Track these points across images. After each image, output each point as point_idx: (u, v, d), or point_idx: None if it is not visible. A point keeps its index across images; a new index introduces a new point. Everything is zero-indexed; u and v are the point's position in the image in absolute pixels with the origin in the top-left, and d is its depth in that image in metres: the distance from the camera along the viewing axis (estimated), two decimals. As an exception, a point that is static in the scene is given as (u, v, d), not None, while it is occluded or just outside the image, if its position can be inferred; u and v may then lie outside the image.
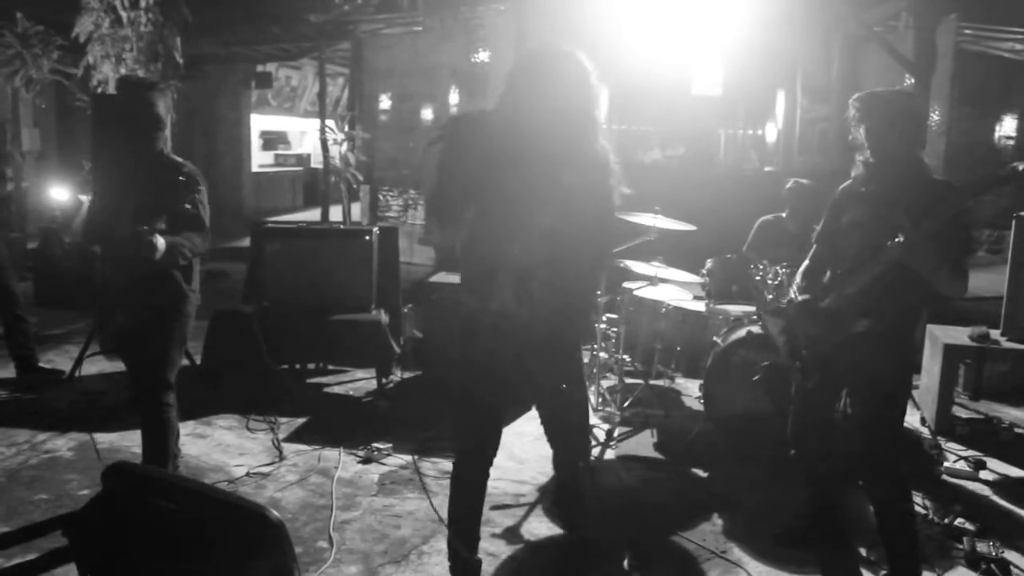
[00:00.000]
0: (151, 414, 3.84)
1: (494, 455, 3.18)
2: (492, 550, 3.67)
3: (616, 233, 3.06)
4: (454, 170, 2.86)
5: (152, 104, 3.75)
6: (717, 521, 4.08)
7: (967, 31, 8.92)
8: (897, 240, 3.03)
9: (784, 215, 6.01)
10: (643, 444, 5.09)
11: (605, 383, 5.89)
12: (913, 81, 7.63)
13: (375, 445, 4.76)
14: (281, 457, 4.65)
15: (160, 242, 3.53)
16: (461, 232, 2.94)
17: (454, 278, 6.21)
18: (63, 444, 4.70)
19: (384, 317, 5.84)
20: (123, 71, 7.60)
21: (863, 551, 3.76)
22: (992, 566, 3.60)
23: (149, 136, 3.79)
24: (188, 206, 3.79)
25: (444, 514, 3.97)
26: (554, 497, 4.01)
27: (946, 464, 4.78)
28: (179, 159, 3.90)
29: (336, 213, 11.35)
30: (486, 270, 2.89)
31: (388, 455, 4.70)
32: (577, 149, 2.84)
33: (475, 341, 2.98)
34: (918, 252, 3.02)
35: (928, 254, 3.02)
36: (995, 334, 5.45)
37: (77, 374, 5.78)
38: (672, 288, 5.69)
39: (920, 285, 3.14)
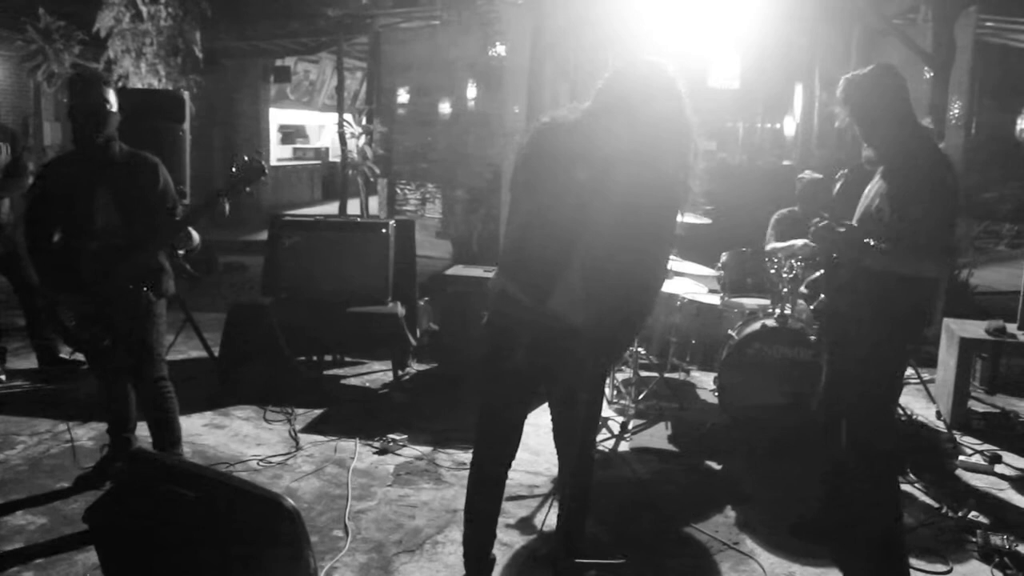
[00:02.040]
0: (151, 399, 3.98)
1: (513, 456, 3.16)
2: (506, 540, 3.70)
3: (669, 261, 3.03)
4: (530, 167, 2.85)
5: (106, 99, 3.76)
6: (730, 513, 4.10)
7: (987, 23, 8.85)
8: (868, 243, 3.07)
9: (797, 209, 6.02)
10: (657, 436, 5.11)
11: (620, 376, 5.91)
12: (932, 74, 7.58)
13: (391, 436, 4.80)
14: (298, 447, 4.70)
15: (196, 237, 3.77)
16: (517, 224, 2.92)
17: (470, 271, 6.26)
18: (83, 433, 4.77)
19: (401, 310, 5.88)
20: (143, 65, 7.68)
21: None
22: (1006, 559, 3.60)
23: (103, 130, 3.77)
24: (170, 204, 3.90)
25: (458, 505, 4.02)
26: (559, 491, 4.02)
27: (961, 458, 4.77)
28: (137, 151, 3.94)
29: (354, 206, 11.40)
30: (549, 270, 2.81)
31: (404, 446, 4.74)
32: (662, 172, 2.77)
33: (512, 337, 2.91)
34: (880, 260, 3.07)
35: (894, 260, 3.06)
36: (1012, 328, 5.43)
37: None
38: (687, 281, 5.70)
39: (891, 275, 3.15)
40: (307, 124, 20.04)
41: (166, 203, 3.90)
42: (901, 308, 3.19)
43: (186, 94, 6.32)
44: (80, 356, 5.95)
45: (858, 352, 3.28)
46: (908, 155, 3.15)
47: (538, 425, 4.85)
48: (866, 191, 3.32)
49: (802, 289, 3.78)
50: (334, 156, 17.31)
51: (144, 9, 7.64)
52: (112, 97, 3.80)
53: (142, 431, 4.21)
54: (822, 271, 3.63)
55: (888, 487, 3.35)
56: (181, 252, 4.01)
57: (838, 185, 3.51)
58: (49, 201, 3.83)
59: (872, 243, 3.11)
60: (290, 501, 2.59)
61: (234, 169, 3.68)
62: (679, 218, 2.92)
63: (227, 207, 3.70)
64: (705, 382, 6.12)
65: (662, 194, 2.79)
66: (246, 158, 3.71)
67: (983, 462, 4.72)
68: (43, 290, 3.82)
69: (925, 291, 3.24)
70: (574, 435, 3.17)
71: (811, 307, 3.76)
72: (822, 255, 3.31)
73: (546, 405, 3.30)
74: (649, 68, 2.79)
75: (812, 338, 4.83)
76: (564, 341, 2.86)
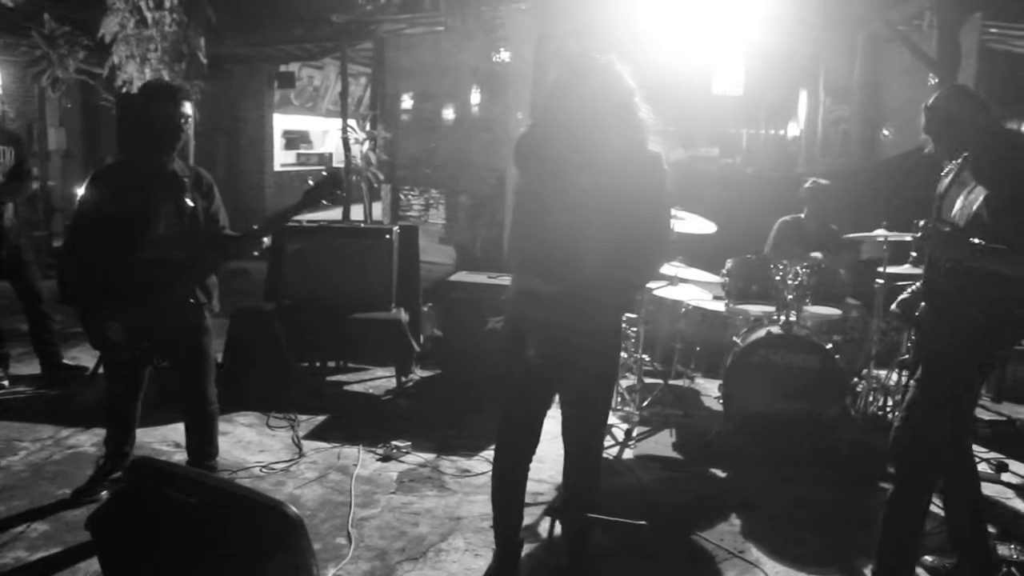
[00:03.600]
0: (198, 415, 4.01)
1: (532, 453, 3.32)
2: (509, 548, 3.68)
3: (669, 235, 3.15)
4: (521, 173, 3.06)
5: (183, 114, 3.76)
6: (735, 521, 4.08)
7: (992, 29, 8.81)
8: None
9: (803, 215, 6.01)
10: (662, 444, 5.08)
11: (624, 382, 5.88)
12: (937, 81, 7.56)
13: (394, 443, 4.78)
14: (301, 454, 4.68)
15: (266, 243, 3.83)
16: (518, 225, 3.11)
17: (473, 277, 6.25)
18: (86, 440, 4.75)
19: (404, 316, 5.86)
20: (148, 71, 7.67)
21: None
22: (1013, 569, 3.57)
23: (174, 146, 3.80)
24: (217, 213, 3.96)
25: (462, 512, 4.01)
26: (560, 502, 4.00)
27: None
28: (195, 166, 4.01)
29: (357, 212, 11.39)
30: (557, 258, 2.94)
31: (407, 453, 4.72)
32: (621, 153, 2.92)
33: (531, 334, 3.02)
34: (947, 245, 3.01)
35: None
36: (1018, 336, 5.40)
37: (100, 371, 5.83)
38: (692, 288, 5.68)
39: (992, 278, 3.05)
40: (311, 130, 20.03)
41: (219, 221, 3.95)
42: (997, 312, 3.11)
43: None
44: (82, 363, 5.98)
45: (941, 356, 3.22)
46: (1001, 163, 3.09)
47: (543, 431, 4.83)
48: (958, 204, 3.22)
49: (893, 308, 3.76)
50: (338, 162, 17.28)
51: (149, 15, 7.63)
52: (187, 110, 3.79)
53: (143, 438, 4.20)
54: (912, 290, 3.61)
55: (914, 502, 3.27)
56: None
57: (946, 180, 3.42)
58: (101, 210, 3.74)
59: (978, 242, 3.01)
60: (293, 508, 2.56)
61: (311, 182, 3.74)
62: (667, 208, 3.13)
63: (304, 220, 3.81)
64: (710, 389, 6.09)
65: (625, 161, 2.93)
66: (324, 172, 3.78)
67: (989, 470, 4.69)
68: (87, 302, 3.74)
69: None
70: (583, 434, 3.29)
71: (906, 320, 3.71)
72: (928, 256, 3.29)
73: (550, 412, 3.30)
74: (574, 57, 3.02)
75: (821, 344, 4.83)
76: (581, 318, 2.97)
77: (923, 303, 3.36)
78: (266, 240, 3.86)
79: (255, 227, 3.82)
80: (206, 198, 3.91)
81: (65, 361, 5.99)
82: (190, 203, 3.80)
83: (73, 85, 8.53)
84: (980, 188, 3.13)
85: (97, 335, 3.72)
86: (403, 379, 5.94)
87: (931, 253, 3.28)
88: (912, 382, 3.38)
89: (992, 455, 4.90)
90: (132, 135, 3.83)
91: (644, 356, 5.68)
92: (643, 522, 3.68)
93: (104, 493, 3.96)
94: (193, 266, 3.80)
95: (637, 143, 2.96)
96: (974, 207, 3.10)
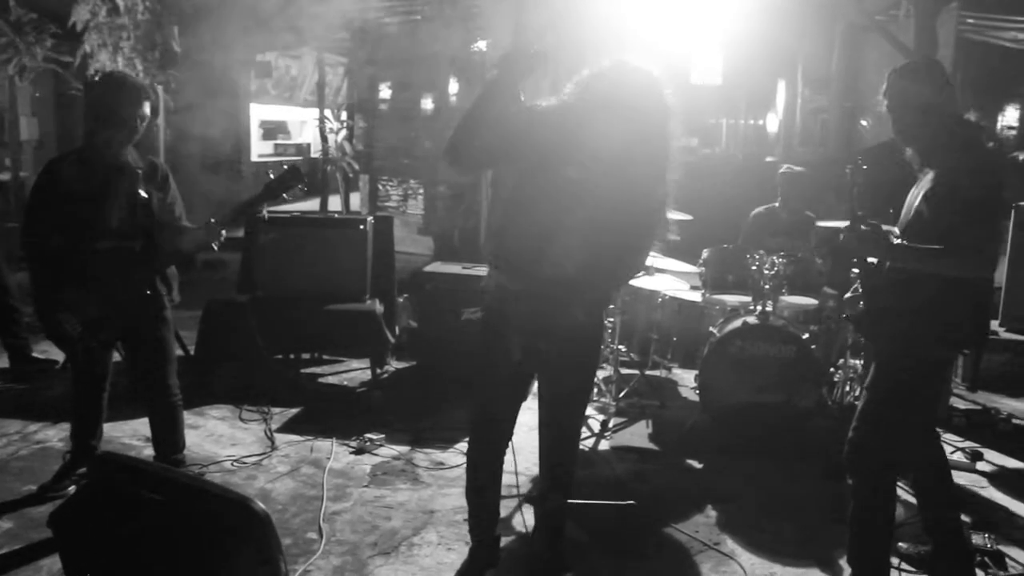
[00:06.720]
0: (161, 408, 3.97)
1: (505, 449, 3.27)
2: (483, 541, 3.64)
3: (659, 234, 3.18)
4: (518, 132, 2.95)
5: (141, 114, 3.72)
6: (711, 513, 4.06)
7: (969, 20, 8.83)
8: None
9: (776, 204, 6.00)
10: (638, 435, 5.07)
11: (601, 373, 5.85)
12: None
13: (368, 436, 4.74)
14: (273, 447, 4.63)
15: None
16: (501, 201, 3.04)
17: (448, 268, 6.21)
18: (54, 435, 4.67)
19: (379, 307, 5.80)
20: (120, 60, 7.55)
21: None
22: (986, 559, 3.58)
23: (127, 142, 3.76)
24: (173, 204, 3.93)
25: (435, 506, 3.98)
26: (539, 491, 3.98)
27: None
28: (151, 158, 3.97)
29: (335, 203, 11.31)
30: (543, 238, 2.89)
31: (381, 446, 4.68)
32: (648, 167, 2.93)
33: (508, 327, 2.99)
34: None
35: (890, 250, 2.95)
36: (993, 325, 5.41)
37: (70, 365, 5.74)
38: (668, 278, 5.65)
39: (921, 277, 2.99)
40: (288, 120, 19.88)
41: (175, 211, 3.91)
42: (938, 313, 3.01)
43: (160, 87, 6.22)
44: (52, 356, 5.88)
45: (890, 357, 3.14)
46: (947, 155, 3.00)
47: (518, 423, 4.79)
48: (912, 192, 3.17)
49: (843, 316, 3.72)
50: (315, 152, 17.17)
51: (121, 3, 7.51)
52: (146, 111, 3.73)
53: (112, 432, 4.13)
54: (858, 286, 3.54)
55: (879, 504, 3.22)
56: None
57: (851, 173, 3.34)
58: (55, 200, 3.69)
59: (901, 242, 2.97)
60: (260, 504, 2.52)
61: (271, 175, 3.68)
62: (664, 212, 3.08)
63: (265, 213, 3.81)
64: (686, 380, 6.08)
65: (641, 198, 2.94)
66: (285, 167, 3.73)
67: (964, 459, 4.70)
68: (41, 293, 3.70)
69: (970, 295, 3.04)
70: (563, 424, 3.27)
71: (849, 316, 3.65)
72: (858, 259, 3.21)
73: (525, 404, 3.27)
74: (640, 76, 2.89)
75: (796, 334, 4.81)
76: (557, 314, 2.93)
77: (861, 303, 3.27)
78: (223, 233, 3.76)
79: (212, 220, 3.73)
80: (161, 189, 3.86)
81: (35, 355, 5.89)
82: (143, 194, 3.75)
83: (44, 74, 8.40)
84: (925, 181, 3.06)
85: (52, 326, 3.66)
86: (378, 371, 5.88)
87: (861, 256, 3.20)
88: (864, 389, 3.32)
89: (967, 444, 4.92)
90: (88, 125, 3.76)
91: (620, 347, 5.66)
92: (631, 501, 3.69)
93: (71, 489, 3.90)
94: (148, 257, 3.76)
95: (659, 175, 2.97)
96: (916, 201, 3.04)
